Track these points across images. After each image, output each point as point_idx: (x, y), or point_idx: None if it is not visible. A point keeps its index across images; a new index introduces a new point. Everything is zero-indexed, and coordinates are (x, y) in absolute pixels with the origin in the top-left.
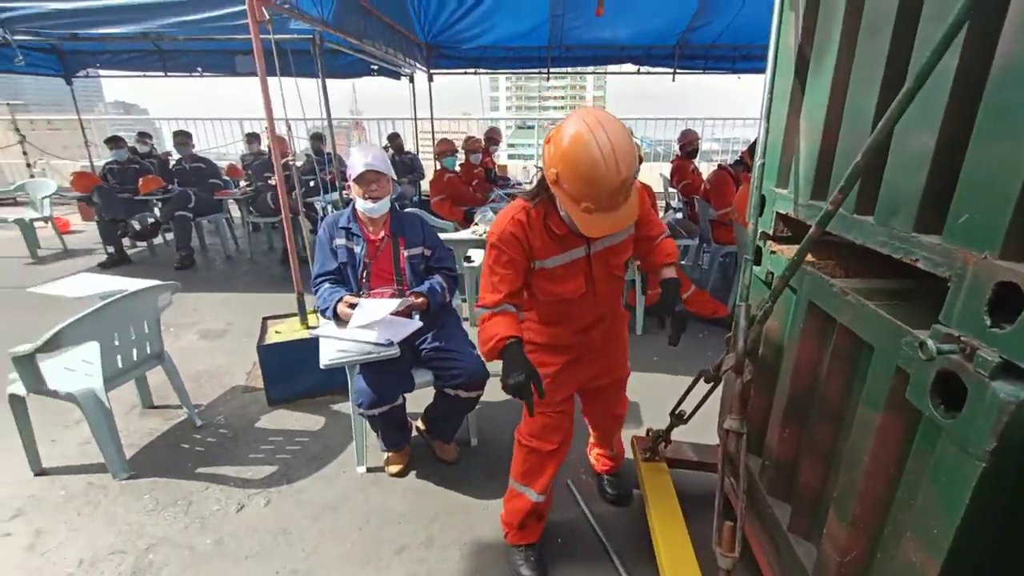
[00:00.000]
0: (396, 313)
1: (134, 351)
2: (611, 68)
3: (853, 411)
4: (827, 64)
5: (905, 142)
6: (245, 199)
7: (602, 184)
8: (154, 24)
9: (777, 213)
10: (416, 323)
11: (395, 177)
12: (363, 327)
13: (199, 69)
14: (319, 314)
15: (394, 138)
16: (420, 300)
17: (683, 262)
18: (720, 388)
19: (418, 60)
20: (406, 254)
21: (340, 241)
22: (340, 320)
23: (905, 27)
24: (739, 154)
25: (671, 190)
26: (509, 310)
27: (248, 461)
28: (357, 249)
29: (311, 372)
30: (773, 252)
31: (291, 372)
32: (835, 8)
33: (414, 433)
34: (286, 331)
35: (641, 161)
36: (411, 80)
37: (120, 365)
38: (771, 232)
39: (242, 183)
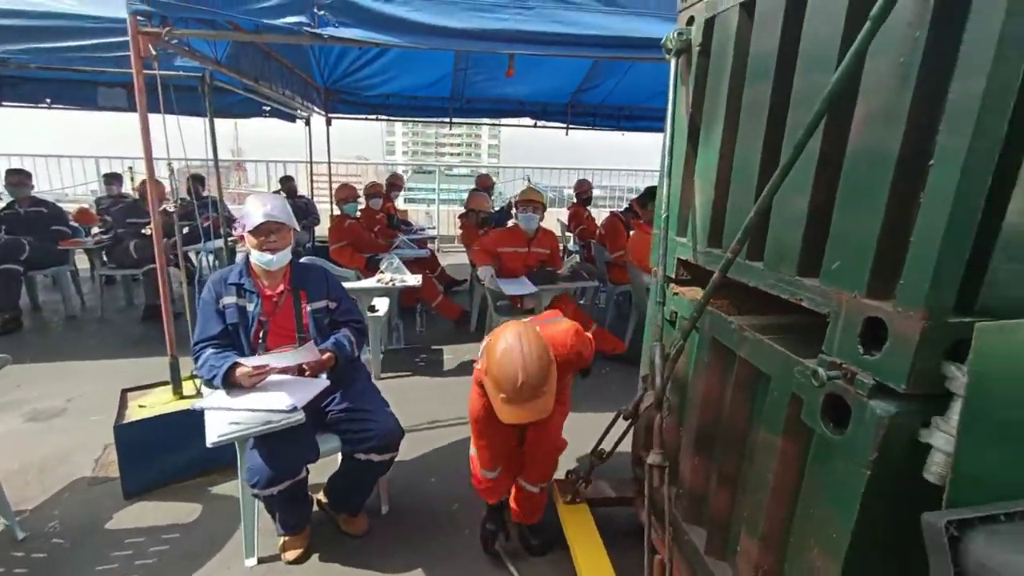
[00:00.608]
0: (299, 371)
1: None
2: (510, 120)
3: (756, 437)
4: (715, 134)
5: (785, 204)
6: (99, 248)
7: (511, 377)
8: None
9: (678, 259)
10: (323, 382)
11: (297, 228)
12: (261, 393)
13: (47, 100)
14: (203, 384)
15: (286, 181)
16: (327, 356)
17: (582, 301)
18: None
19: (316, 103)
20: (309, 308)
21: (229, 300)
22: (233, 387)
23: (777, 113)
24: (628, 202)
25: (567, 234)
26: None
27: None
28: (250, 307)
29: (183, 452)
30: (676, 294)
31: (157, 454)
32: (719, 91)
33: (314, 508)
34: (154, 404)
35: (545, 209)
36: (307, 123)
37: None
38: (674, 276)
39: (96, 230)
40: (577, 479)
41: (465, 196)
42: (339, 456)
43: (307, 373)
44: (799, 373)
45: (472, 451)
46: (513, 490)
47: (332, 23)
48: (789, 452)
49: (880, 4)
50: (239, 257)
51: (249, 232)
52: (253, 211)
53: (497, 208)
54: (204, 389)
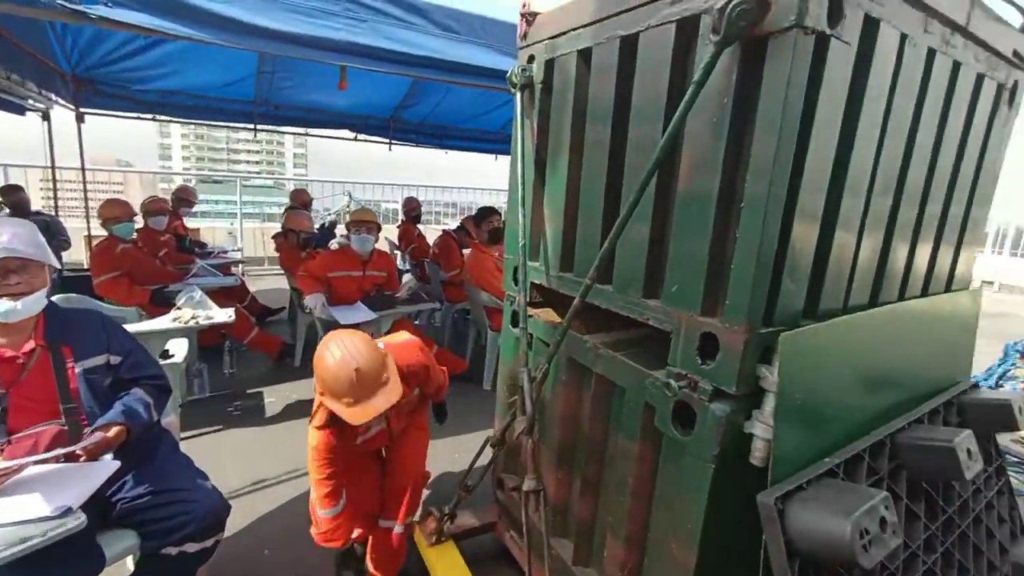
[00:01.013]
0: (69, 457)
1: None
2: (330, 132)
3: (615, 445)
4: (561, 167)
5: (629, 235)
6: None
7: (346, 380)
8: None
9: (532, 283)
10: (109, 465)
11: (56, 263)
12: (8, 499)
13: None
14: None
15: (12, 192)
16: (113, 432)
17: (416, 322)
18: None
19: (60, 94)
20: (79, 369)
21: None
22: None
23: (617, 153)
24: (460, 221)
25: (396, 252)
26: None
27: None
28: None
29: None
30: (531, 316)
31: None
32: (563, 127)
33: None
34: None
35: (379, 229)
36: (45, 117)
37: None
38: (528, 299)
39: None
40: (442, 516)
41: (269, 210)
42: (128, 560)
43: (82, 458)
44: (651, 384)
45: (312, 495)
46: (370, 540)
47: (104, 0)
48: (645, 456)
49: (700, 73)
50: None
51: None
52: None
53: (318, 227)
54: None
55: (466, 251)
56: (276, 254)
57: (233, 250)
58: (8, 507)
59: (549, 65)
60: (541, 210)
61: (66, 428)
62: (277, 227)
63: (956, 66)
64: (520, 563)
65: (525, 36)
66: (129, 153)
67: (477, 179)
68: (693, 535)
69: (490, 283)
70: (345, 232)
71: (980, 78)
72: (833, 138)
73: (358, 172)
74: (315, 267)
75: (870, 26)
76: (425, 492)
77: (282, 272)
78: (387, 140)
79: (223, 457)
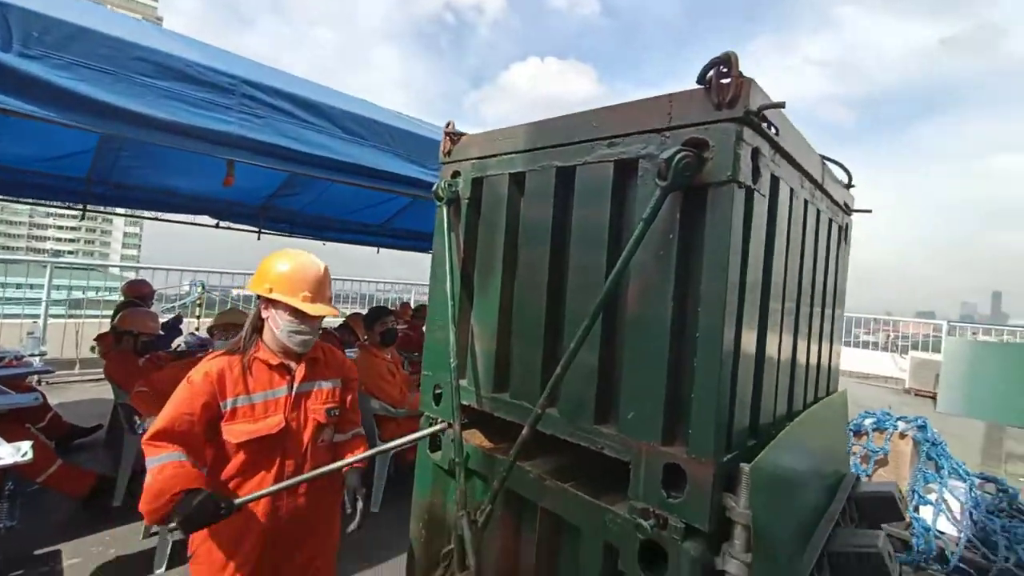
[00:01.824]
0: None
1: None
2: (182, 216)
3: None
4: (492, 287)
5: (578, 362)
6: None
7: (313, 276)
8: None
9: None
10: None
11: None
12: None
13: None
14: None
15: None
16: None
17: None
18: None
19: None
20: None
21: None
22: None
23: (556, 276)
24: (344, 319)
25: None
26: (193, 464)
27: None
28: None
29: None
30: (453, 440)
31: None
32: (494, 246)
33: None
34: None
35: None
36: None
37: None
38: (451, 422)
39: None
40: None
41: (82, 295)
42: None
43: None
44: (610, 521)
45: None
46: None
47: None
48: None
49: (648, 212)
50: None
51: None
52: None
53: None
54: None
55: (349, 351)
56: (93, 356)
57: (33, 354)
58: None
59: (477, 183)
60: (467, 326)
61: None
62: (89, 318)
63: (818, 212)
64: None
65: (449, 153)
66: None
67: (359, 269)
68: None
69: (382, 389)
70: (207, 336)
71: (830, 221)
72: (759, 268)
73: (213, 258)
74: (164, 381)
75: (774, 182)
76: None
77: (100, 379)
78: (256, 229)
79: None
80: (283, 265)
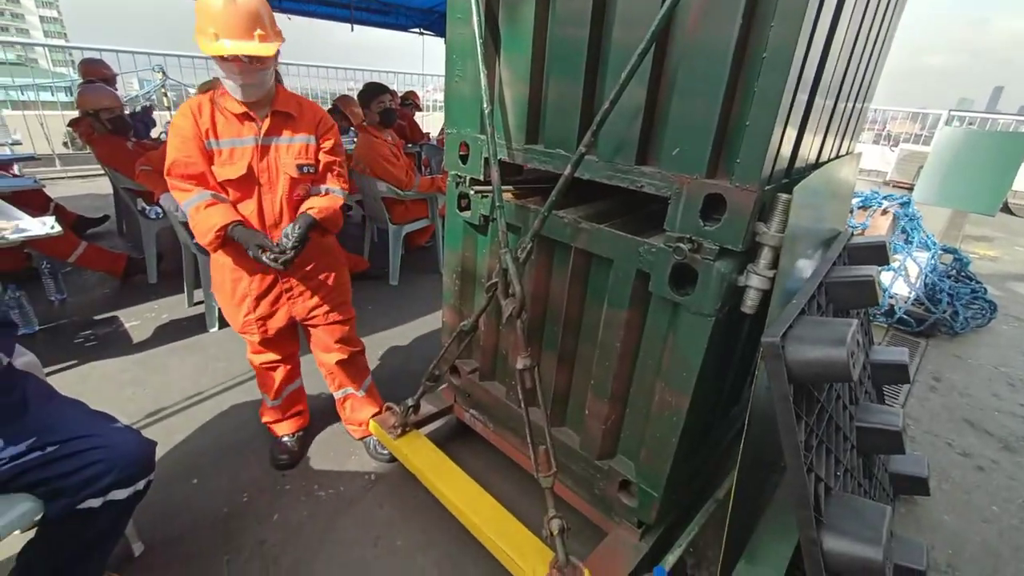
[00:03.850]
0: None
1: None
2: None
3: (593, 316)
4: (524, 20)
5: (623, 99)
6: None
7: (217, 6)
8: None
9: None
10: None
11: None
12: None
13: None
14: None
15: None
16: None
17: None
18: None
19: None
20: None
21: None
22: None
23: (600, 5)
24: (332, 103)
25: None
26: (219, 198)
27: None
28: None
29: None
30: (484, 197)
31: None
32: None
33: None
34: None
35: None
36: None
37: None
38: (481, 178)
39: None
40: (407, 409)
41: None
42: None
43: None
44: (645, 251)
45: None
46: (340, 404)
47: None
48: (633, 321)
49: None
50: None
51: None
52: None
53: (128, 113)
54: None
55: (346, 139)
56: (67, 150)
57: (9, 143)
58: None
59: None
60: (493, 78)
61: None
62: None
63: None
64: (483, 436)
65: None
66: None
67: (329, 56)
68: (688, 381)
69: (387, 171)
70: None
71: None
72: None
73: (162, 41)
74: (163, 158)
75: None
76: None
77: (86, 175)
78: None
79: (95, 394)
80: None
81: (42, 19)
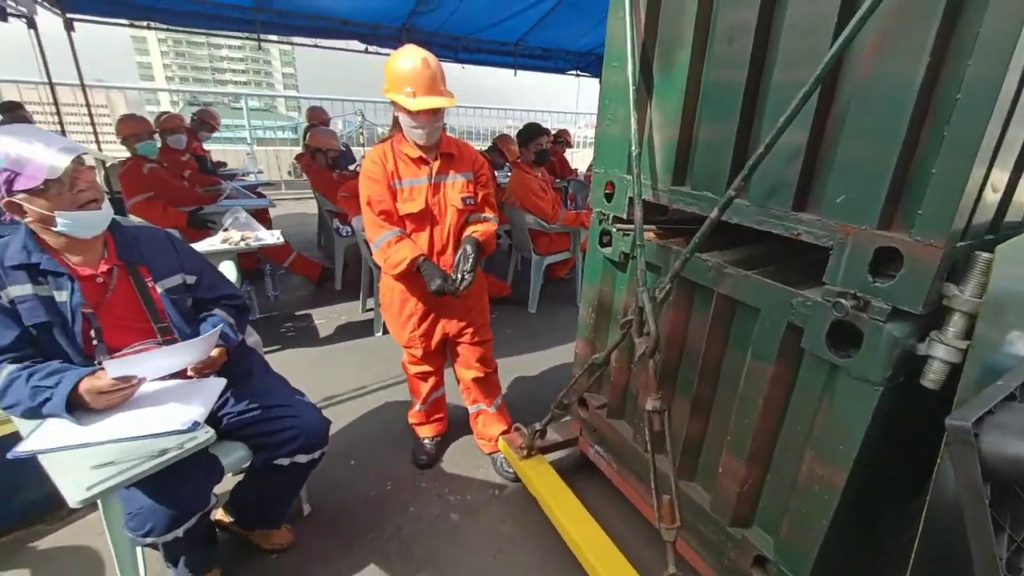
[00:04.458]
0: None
1: None
2: (334, 43)
3: (735, 366)
4: (677, 66)
5: (781, 140)
6: None
7: (411, 70)
8: None
9: (629, 198)
10: (219, 381)
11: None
12: (131, 413)
13: None
14: (17, 415)
15: (12, 109)
16: (217, 351)
17: None
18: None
19: None
20: (160, 288)
21: (21, 290)
22: (82, 412)
23: (760, 44)
24: (492, 141)
25: None
26: (403, 235)
27: None
28: (61, 296)
29: None
30: (626, 235)
31: None
32: (683, 16)
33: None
34: None
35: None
36: (30, 24)
37: None
38: (624, 216)
39: None
40: (534, 433)
41: (262, 135)
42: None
43: (192, 376)
44: (799, 304)
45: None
46: (472, 418)
47: None
48: (780, 377)
49: None
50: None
51: (32, 191)
52: (33, 154)
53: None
54: (21, 424)
55: (500, 174)
56: (289, 178)
57: (254, 172)
58: (139, 421)
59: None
60: (643, 120)
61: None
62: (281, 145)
63: None
64: (606, 474)
65: None
66: (104, 74)
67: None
68: (846, 455)
69: (536, 205)
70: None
71: None
72: None
73: (360, 92)
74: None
75: None
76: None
77: (300, 197)
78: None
79: (290, 375)
80: (392, 62)
81: (284, 75)
